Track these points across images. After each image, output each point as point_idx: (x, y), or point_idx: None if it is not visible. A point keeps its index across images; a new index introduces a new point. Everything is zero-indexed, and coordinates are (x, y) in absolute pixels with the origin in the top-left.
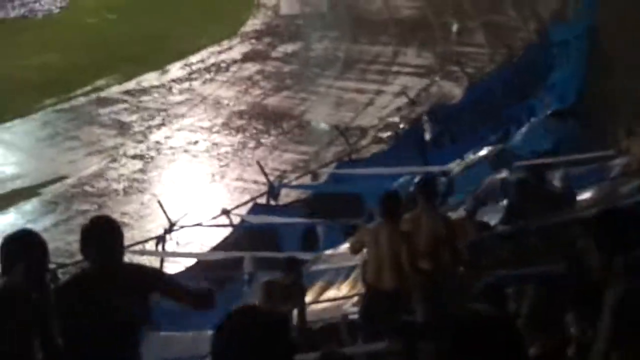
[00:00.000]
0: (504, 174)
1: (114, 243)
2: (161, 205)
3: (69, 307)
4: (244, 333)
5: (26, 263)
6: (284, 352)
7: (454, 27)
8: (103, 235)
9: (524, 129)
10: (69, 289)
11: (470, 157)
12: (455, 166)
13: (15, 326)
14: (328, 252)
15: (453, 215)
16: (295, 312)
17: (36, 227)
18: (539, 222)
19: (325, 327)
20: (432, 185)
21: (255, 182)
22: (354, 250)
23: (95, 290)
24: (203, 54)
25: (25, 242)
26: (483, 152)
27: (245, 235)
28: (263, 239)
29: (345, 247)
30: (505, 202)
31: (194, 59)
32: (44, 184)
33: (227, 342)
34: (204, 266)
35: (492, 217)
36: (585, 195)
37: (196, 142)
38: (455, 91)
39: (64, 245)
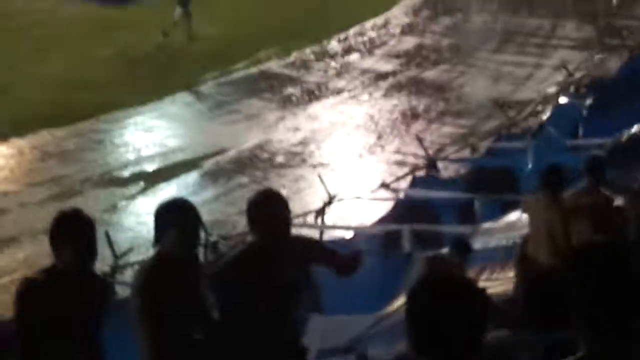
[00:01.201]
0: None
1: (284, 217)
2: (320, 178)
3: (237, 281)
4: (442, 299)
5: (178, 230)
6: (480, 319)
7: (615, 0)
8: (273, 209)
9: None
10: (241, 262)
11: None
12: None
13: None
14: (486, 225)
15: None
16: None
17: (197, 199)
18: None
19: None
20: (598, 164)
21: (414, 155)
22: None
23: (266, 264)
24: (361, 27)
25: (176, 209)
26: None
27: (404, 210)
28: (422, 214)
29: (504, 221)
30: None
31: (352, 32)
32: (205, 157)
33: (425, 308)
34: (362, 239)
35: None
36: None
37: (354, 116)
38: (615, 65)
39: (224, 217)
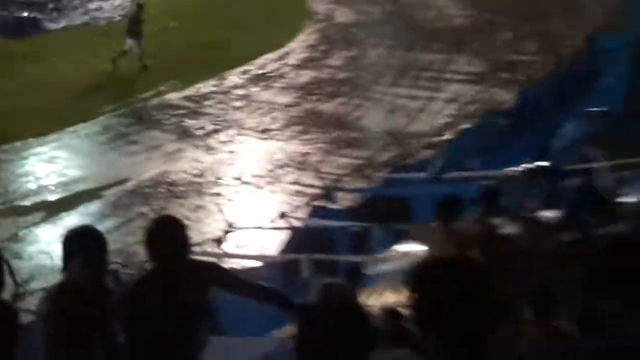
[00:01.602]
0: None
1: (180, 241)
2: (220, 208)
3: (139, 306)
4: (332, 324)
5: (84, 257)
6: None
7: (506, 36)
8: (168, 233)
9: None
10: (141, 287)
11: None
12: (503, 173)
13: (71, 325)
14: (381, 255)
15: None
16: None
17: (98, 228)
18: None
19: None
20: (491, 195)
21: (312, 186)
22: None
23: (165, 287)
24: (260, 61)
25: (82, 236)
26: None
27: (302, 239)
28: (320, 243)
29: (398, 249)
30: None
31: (251, 65)
32: (106, 187)
33: (315, 332)
34: (263, 268)
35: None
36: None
37: (253, 147)
38: (506, 98)
39: (125, 246)
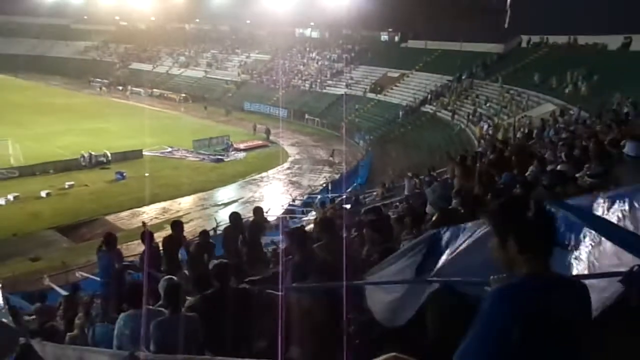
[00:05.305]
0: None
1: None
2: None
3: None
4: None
5: (231, 222)
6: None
7: (332, 151)
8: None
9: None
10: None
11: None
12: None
13: None
14: (311, 214)
15: None
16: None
17: (237, 209)
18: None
19: None
20: (354, 199)
21: (289, 197)
22: None
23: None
24: (276, 168)
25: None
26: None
27: (287, 212)
28: (291, 213)
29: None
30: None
31: (274, 169)
32: (235, 201)
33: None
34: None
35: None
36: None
37: (278, 188)
38: (336, 177)
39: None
